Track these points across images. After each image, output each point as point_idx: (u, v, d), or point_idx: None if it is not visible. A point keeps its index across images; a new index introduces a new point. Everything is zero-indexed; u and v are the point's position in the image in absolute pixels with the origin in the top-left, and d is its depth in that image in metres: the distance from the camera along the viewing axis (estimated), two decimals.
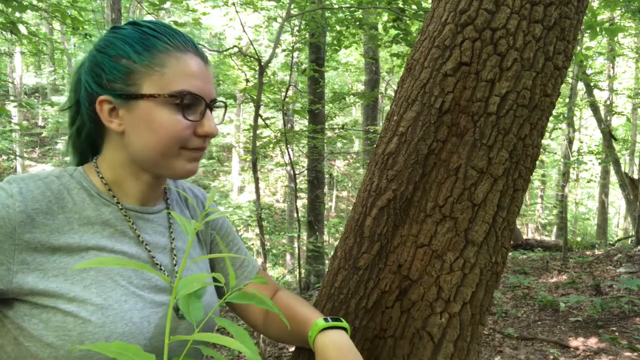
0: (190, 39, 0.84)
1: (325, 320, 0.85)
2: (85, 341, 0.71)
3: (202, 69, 0.82)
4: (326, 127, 8.16)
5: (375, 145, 1.03)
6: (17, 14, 4.58)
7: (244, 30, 4.40)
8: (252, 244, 13.47)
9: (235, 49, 4.58)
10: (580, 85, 9.32)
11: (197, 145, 0.82)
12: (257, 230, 9.61)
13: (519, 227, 15.21)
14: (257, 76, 4.07)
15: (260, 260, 5.70)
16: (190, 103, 0.79)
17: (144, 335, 0.76)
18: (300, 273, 4.23)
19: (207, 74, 0.83)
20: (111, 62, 0.79)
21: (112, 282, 0.76)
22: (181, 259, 0.89)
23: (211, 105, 0.83)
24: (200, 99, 0.80)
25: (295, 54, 6.99)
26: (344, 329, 0.85)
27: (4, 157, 15.90)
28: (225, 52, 6.06)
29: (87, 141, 0.88)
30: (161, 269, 0.85)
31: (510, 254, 8.84)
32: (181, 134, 0.79)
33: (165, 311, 0.81)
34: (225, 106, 0.91)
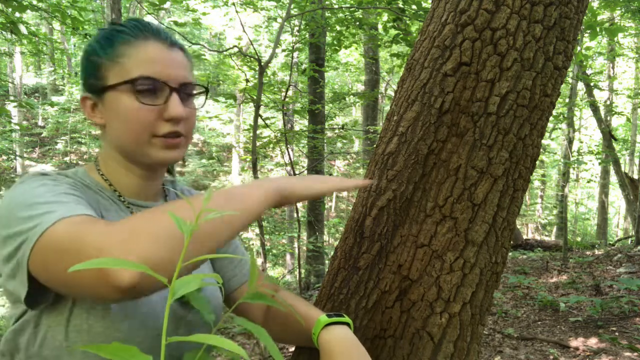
0: (154, 26, 0.84)
1: (329, 316, 0.85)
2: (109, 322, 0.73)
3: (164, 53, 0.82)
4: (326, 127, 8.15)
5: (375, 145, 1.03)
6: (17, 14, 4.58)
7: (244, 30, 4.40)
8: (252, 244, 13.47)
9: (235, 49, 4.58)
10: (580, 85, 9.32)
11: (167, 130, 0.81)
12: (257, 230, 9.60)
13: (519, 227, 15.20)
14: (257, 76, 4.07)
15: (260, 261, 5.70)
16: (151, 88, 0.80)
17: (160, 321, 0.77)
18: (300, 273, 4.23)
19: (170, 59, 0.82)
20: (86, 61, 0.83)
21: None
22: None
23: (179, 89, 0.82)
24: (161, 83, 0.80)
25: (295, 54, 6.98)
26: (347, 324, 0.85)
27: (4, 157, 15.89)
28: (225, 52, 6.06)
29: None
30: None
31: (510, 254, 8.83)
32: (144, 119, 0.80)
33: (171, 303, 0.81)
34: (207, 90, 0.90)
